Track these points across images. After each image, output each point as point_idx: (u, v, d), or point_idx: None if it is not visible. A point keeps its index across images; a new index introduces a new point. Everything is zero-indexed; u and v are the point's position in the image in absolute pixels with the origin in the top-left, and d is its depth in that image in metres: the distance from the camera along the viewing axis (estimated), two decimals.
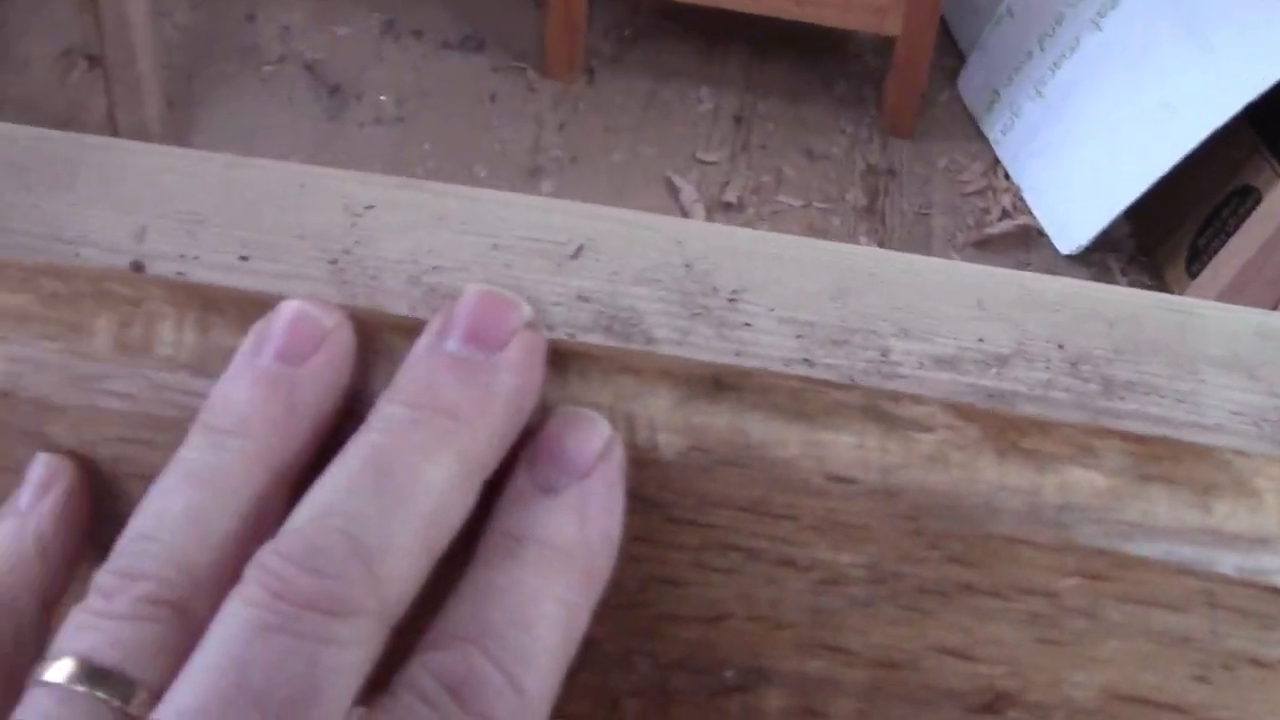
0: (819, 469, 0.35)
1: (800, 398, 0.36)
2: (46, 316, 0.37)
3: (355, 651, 0.31)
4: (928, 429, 0.36)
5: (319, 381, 0.35)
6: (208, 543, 0.33)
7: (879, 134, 2.51)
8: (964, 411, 0.37)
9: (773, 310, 0.65)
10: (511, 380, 0.35)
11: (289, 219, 0.66)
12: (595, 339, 0.62)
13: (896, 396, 0.37)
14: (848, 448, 0.36)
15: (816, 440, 0.36)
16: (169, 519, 0.33)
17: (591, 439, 0.35)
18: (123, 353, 0.36)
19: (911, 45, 2.41)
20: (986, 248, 2.33)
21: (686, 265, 0.66)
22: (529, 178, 2.35)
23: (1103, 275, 2.28)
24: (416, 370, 0.35)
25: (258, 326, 0.36)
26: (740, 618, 0.36)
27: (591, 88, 2.53)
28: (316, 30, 2.61)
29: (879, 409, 0.36)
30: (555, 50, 2.50)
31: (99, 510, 0.37)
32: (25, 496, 0.37)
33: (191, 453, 0.34)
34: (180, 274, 0.63)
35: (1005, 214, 2.37)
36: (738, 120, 2.49)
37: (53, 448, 0.37)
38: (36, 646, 0.36)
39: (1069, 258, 2.31)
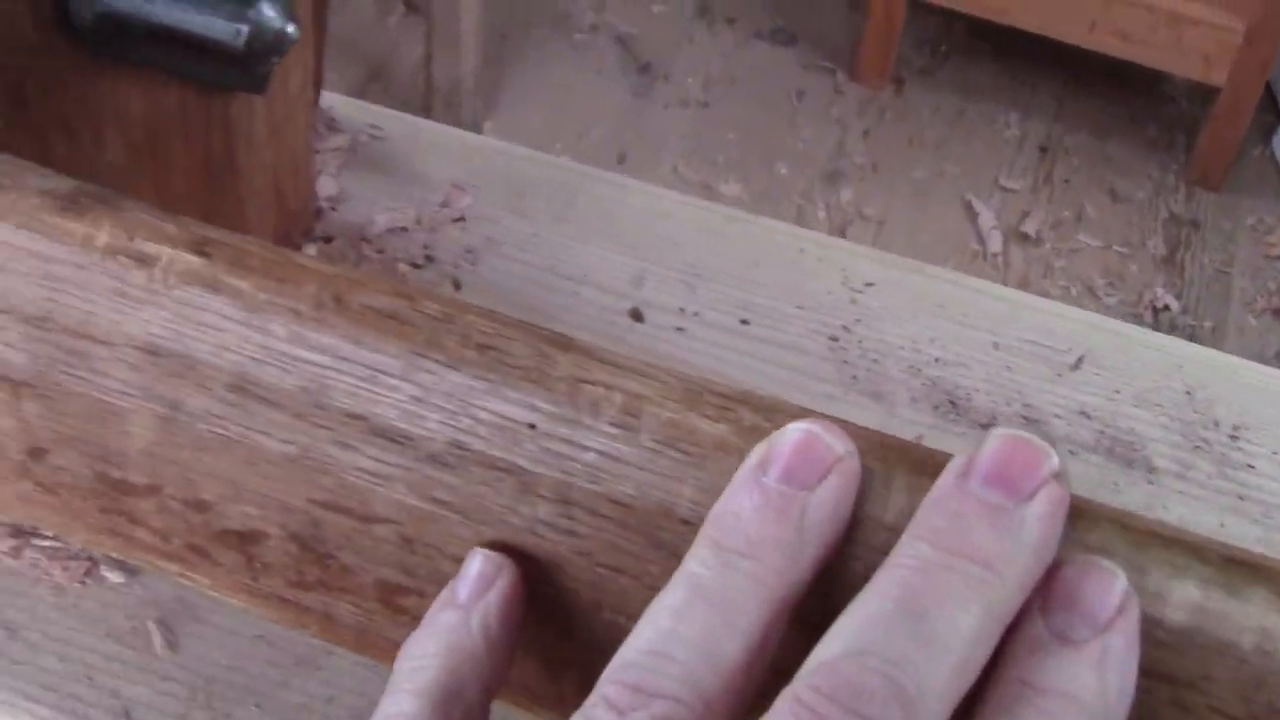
0: None
1: None
2: (745, 450, 0.36)
3: None
4: None
5: (825, 508, 0.35)
6: (718, 665, 0.33)
7: (1185, 183, 2.44)
8: None
9: (1276, 454, 0.63)
10: (1039, 532, 0.33)
11: (788, 284, 0.65)
12: (1096, 460, 0.61)
13: None
14: None
15: None
16: (682, 638, 0.33)
17: (1111, 591, 0.34)
18: None
19: (1235, 98, 2.35)
20: None
21: (1187, 392, 0.64)
22: (828, 182, 2.33)
23: None
24: (944, 510, 0.34)
25: (763, 445, 0.36)
26: None
27: (899, 98, 2.50)
28: (631, 4, 2.61)
29: None
30: (869, 55, 2.47)
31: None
32: (465, 590, 0.38)
33: (702, 569, 0.34)
34: (680, 329, 0.63)
35: None
36: (1043, 150, 2.45)
37: None
38: None
39: None
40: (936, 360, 0.62)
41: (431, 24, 2.23)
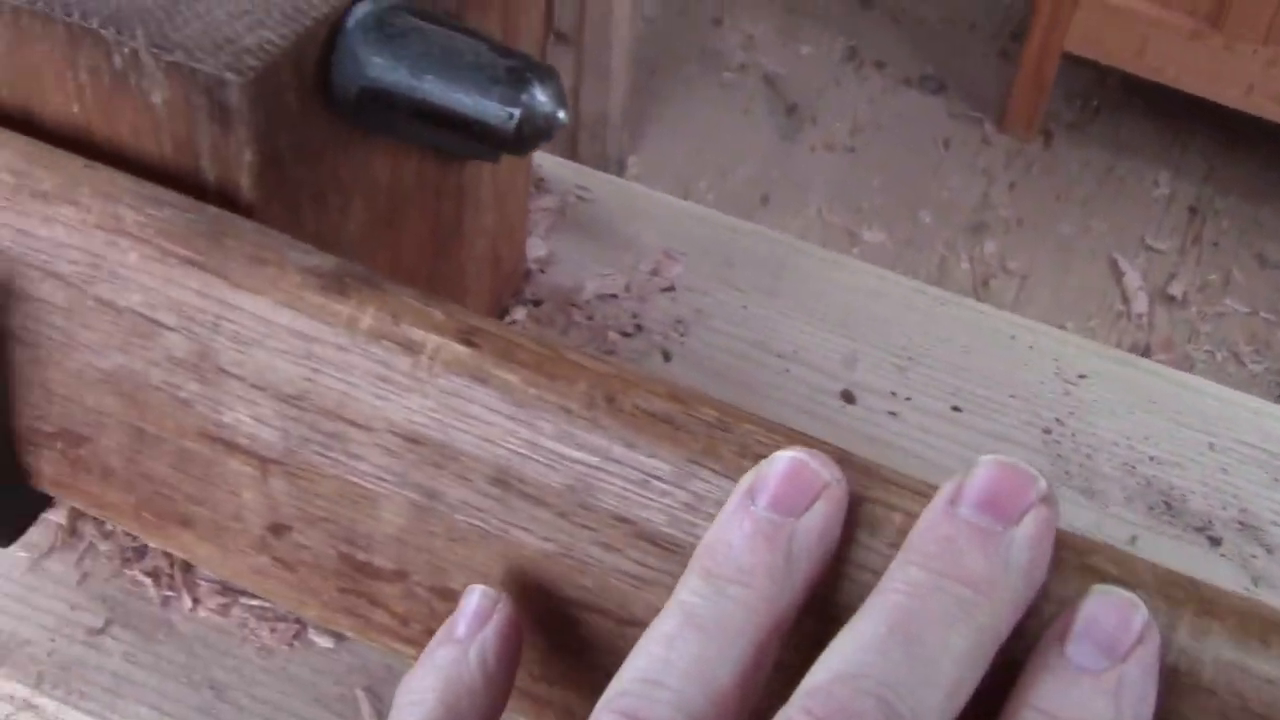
0: None
1: None
2: None
3: None
4: None
5: (813, 534, 0.35)
6: (710, 691, 0.33)
7: None
8: None
9: None
10: (1028, 555, 0.34)
11: (999, 372, 0.64)
12: None
13: None
14: None
15: None
16: (676, 665, 0.34)
17: (1130, 621, 0.34)
18: None
19: None
20: None
21: None
22: (972, 234, 2.31)
23: None
24: (935, 535, 0.34)
25: (751, 474, 0.36)
26: None
27: (1047, 151, 2.47)
28: (780, 45, 2.60)
29: None
30: (1018, 107, 2.45)
31: None
32: (462, 625, 0.38)
33: (693, 598, 0.35)
34: (892, 414, 0.62)
35: None
36: (1192, 211, 2.41)
37: None
38: None
39: None
40: (1151, 459, 0.61)
41: (581, 54, 2.24)
